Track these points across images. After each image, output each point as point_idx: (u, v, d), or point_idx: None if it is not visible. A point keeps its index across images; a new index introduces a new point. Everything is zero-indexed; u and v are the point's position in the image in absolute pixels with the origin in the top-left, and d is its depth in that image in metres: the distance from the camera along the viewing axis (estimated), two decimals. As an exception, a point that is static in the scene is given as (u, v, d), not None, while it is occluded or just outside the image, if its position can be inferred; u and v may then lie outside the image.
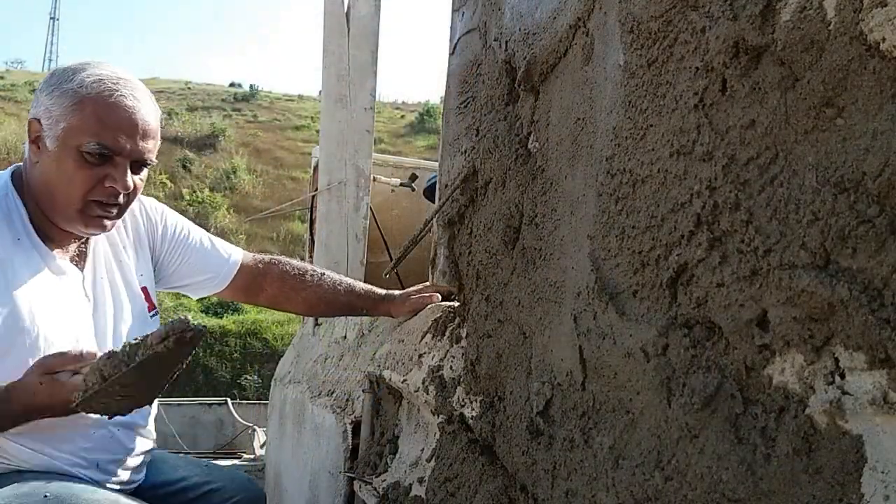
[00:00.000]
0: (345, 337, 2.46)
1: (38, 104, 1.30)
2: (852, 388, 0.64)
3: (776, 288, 0.71)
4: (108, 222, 1.34)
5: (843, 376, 0.65)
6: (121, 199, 1.33)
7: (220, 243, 1.72)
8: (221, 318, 16.36)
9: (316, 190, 3.13)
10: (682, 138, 0.85)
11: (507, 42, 1.35)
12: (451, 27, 1.70)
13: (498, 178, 1.37)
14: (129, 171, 1.31)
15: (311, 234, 3.51)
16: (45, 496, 1.18)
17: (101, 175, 1.28)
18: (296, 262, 1.82)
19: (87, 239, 1.41)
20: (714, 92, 0.80)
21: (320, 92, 3.08)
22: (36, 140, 1.30)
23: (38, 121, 1.29)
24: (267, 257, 1.80)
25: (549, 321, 1.13)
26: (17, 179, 1.35)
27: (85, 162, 1.26)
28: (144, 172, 1.37)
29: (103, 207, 1.31)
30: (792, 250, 0.70)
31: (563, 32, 1.15)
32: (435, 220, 1.70)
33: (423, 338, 1.62)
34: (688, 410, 0.80)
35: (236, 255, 1.72)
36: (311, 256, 3.48)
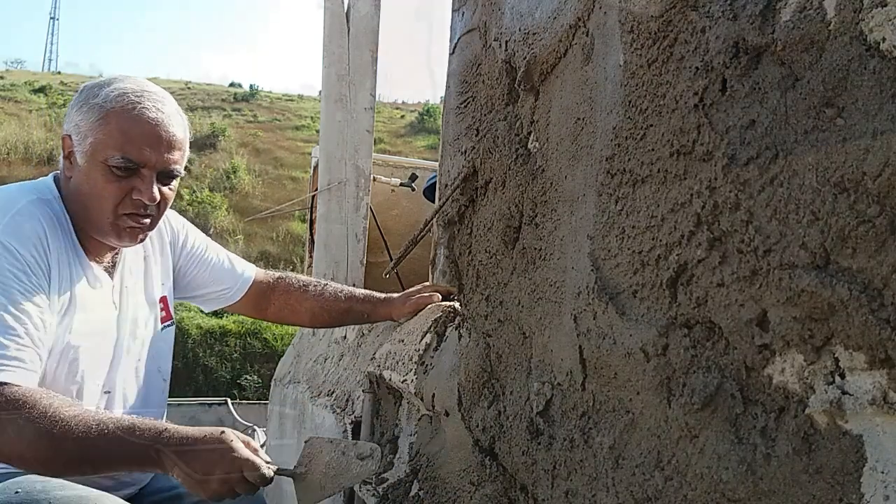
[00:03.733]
0: (345, 337, 2.46)
1: (70, 120, 1.33)
2: (852, 388, 0.64)
3: (776, 288, 0.71)
4: (140, 234, 1.37)
5: (843, 376, 0.65)
6: (150, 210, 1.35)
7: (236, 260, 1.77)
8: (221, 318, 16.33)
9: (316, 190, 3.13)
10: (682, 138, 0.85)
11: (507, 42, 1.35)
12: (451, 27, 1.70)
13: (498, 178, 1.37)
14: (155, 183, 1.33)
15: (311, 234, 3.51)
16: (17, 492, 1.19)
17: (129, 188, 1.31)
18: (301, 276, 1.86)
19: (120, 248, 1.44)
20: (714, 92, 0.80)
21: (320, 92, 3.07)
22: (69, 156, 1.34)
23: (70, 137, 1.33)
24: (276, 274, 1.83)
25: (549, 321, 1.13)
26: (59, 189, 1.38)
27: (112, 175, 1.29)
28: (174, 183, 1.40)
29: (134, 219, 1.34)
30: (792, 250, 0.70)
31: (563, 32, 1.15)
32: (435, 220, 1.69)
33: (423, 338, 1.62)
34: (688, 410, 0.80)
35: (249, 271, 1.77)
36: (311, 256, 3.47)
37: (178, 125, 1.36)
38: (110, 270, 1.42)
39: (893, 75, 0.60)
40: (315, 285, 1.81)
